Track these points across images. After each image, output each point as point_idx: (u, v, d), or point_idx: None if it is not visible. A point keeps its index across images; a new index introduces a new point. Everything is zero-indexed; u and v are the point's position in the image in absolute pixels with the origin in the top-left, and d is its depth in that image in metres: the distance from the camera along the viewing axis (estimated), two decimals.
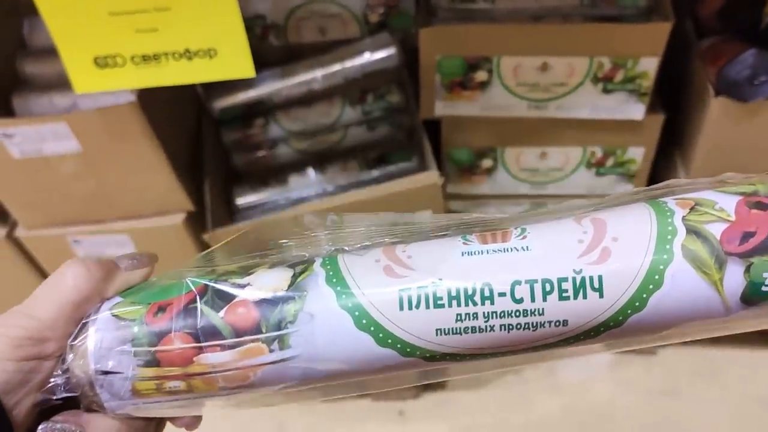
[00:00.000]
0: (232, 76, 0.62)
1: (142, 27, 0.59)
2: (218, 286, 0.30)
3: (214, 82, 0.65)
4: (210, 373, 0.30)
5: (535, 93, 0.75)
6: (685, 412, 1.01)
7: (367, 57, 0.83)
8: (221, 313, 0.29)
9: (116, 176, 0.74)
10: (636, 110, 0.76)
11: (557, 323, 0.29)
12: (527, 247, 0.29)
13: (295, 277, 0.30)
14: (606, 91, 0.74)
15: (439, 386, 1.07)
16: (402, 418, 1.05)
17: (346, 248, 0.32)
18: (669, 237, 0.28)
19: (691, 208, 0.29)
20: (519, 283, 0.29)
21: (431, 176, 0.72)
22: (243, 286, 0.30)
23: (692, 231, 0.29)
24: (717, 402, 1.01)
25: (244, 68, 0.62)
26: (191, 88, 0.87)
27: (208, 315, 0.29)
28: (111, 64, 0.61)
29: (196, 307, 0.30)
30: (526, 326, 0.29)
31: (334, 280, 0.30)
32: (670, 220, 0.29)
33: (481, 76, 0.74)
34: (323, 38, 0.86)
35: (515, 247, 0.30)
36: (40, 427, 0.29)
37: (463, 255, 0.30)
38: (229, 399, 0.31)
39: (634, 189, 0.32)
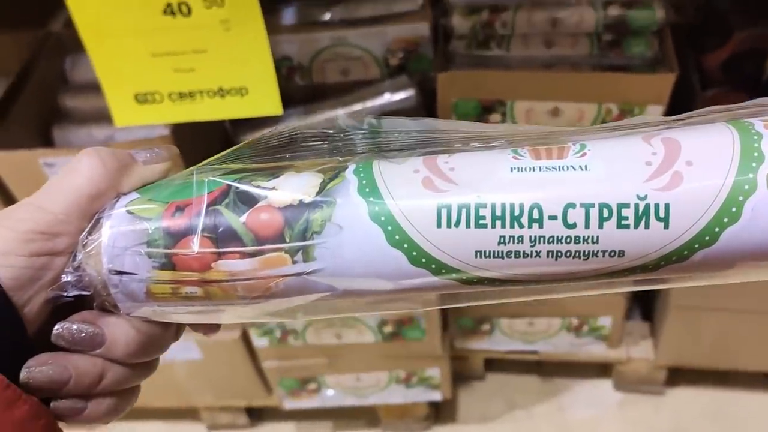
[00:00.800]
0: (262, 113, 0.67)
1: (180, 67, 0.64)
2: (242, 187, 0.28)
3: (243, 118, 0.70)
4: (228, 280, 0.27)
5: None
6: None
7: (387, 98, 0.87)
8: (243, 218, 0.27)
9: None
10: None
11: (612, 253, 0.26)
12: (586, 166, 0.26)
13: (324, 183, 0.27)
14: None
15: (450, 419, 1.08)
16: None
17: (384, 154, 0.29)
18: (753, 164, 0.25)
19: None
20: (573, 206, 0.25)
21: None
22: (268, 190, 0.27)
23: None
24: None
25: (273, 106, 0.66)
26: (220, 123, 0.92)
27: (228, 219, 0.27)
28: (150, 100, 0.66)
29: (216, 210, 0.27)
30: (577, 254, 0.26)
31: (367, 189, 0.27)
32: (756, 144, 0.25)
33: (495, 118, 0.78)
34: (346, 79, 0.91)
35: (572, 166, 0.26)
36: (56, 326, 0.27)
37: (512, 171, 0.27)
38: (249, 309, 0.29)
39: (717, 106, 0.28)
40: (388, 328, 0.91)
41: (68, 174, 0.28)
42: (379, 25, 0.86)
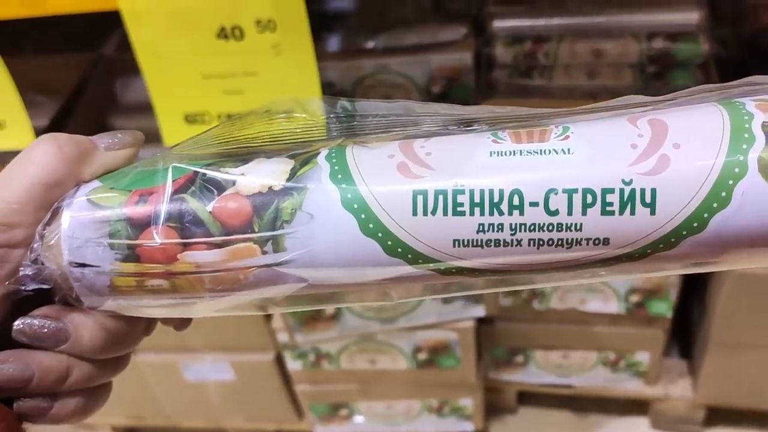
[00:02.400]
0: (307, 137, 0.67)
1: (230, 89, 0.65)
2: (209, 174, 0.26)
3: None
4: (195, 272, 0.26)
5: None
6: None
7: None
8: (209, 207, 0.26)
9: None
10: None
11: (597, 241, 0.25)
12: (568, 149, 0.25)
13: (296, 169, 0.26)
14: None
15: None
16: None
17: (359, 139, 0.28)
18: (744, 146, 0.24)
19: None
20: (555, 191, 0.24)
21: None
22: (236, 176, 0.26)
23: None
24: None
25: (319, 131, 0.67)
26: None
27: (194, 207, 0.26)
28: (199, 121, 0.68)
29: (182, 198, 0.26)
30: (560, 243, 0.25)
31: (340, 176, 0.26)
32: (747, 126, 0.24)
33: None
34: None
35: (554, 149, 0.25)
36: (16, 322, 0.26)
37: (491, 155, 0.25)
38: (219, 301, 0.28)
39: (706, 85, 0.27)
40: (422, 356, 0.90)
41: (21, 161, 0.26)
42: (422, 54, 0.87)
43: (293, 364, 0.93)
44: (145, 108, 0.90)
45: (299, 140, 0.28)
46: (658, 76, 0.79)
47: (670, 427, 1.05)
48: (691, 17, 0.78)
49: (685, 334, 1.05)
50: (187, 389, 0.98)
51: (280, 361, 0.94)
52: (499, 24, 0.81)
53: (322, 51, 0.88)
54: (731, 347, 0.93)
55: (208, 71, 0.64)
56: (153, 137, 0.84)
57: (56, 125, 0.83)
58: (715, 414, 1.04)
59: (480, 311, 0.87)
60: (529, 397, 1.11)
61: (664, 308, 0.92)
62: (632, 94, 0.84)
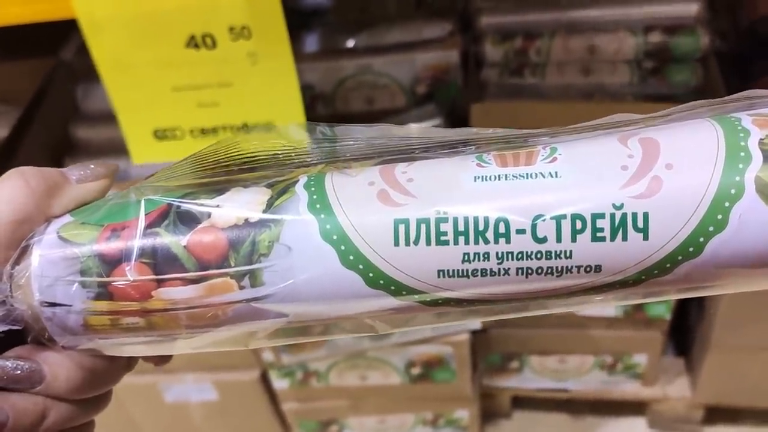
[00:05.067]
0: None
1: (203, 101, 0.60)
2: (183, 206, 0.25)
3: None
4: (171, 309, 0.25)
5: None
6: None
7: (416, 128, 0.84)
8: (184, 241, 0.25)
9: None
10: None
11: (588, 269, 0.23)
12: (556, 173, 0.24)
13: (272, 199, 0.25)
14: None
15: None
16: None
17: (338, 165, 0.27)
18: (740, 165, 0.23)
19: None
20: (542, 218, 0.23)
21: None
22: (211, 208, 0.25)
23: None
24: None
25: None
26: None
27: (168, 242, 0.25)
28: (170, 137, 0.62)
29: (155, 232, 0.25)
30: (549, 271, 0.24)
31: (318, 205, 0.25)
32: (743, 143, 0.23)
33: None
34: (371, 108, 0.87)
35: (541, 173, 0.24)
36: None
37: (476, 180, 0.24)
38: (198, 339, 0.27)
39: (701, 101, 0.26)
40: (416, 370, 0.86)
41: None
42: (406, 53, 0.82)
43: (279, 383, 0.88)
44: (109, 117, 0.85)
45: (278, 166, 0.27)
46: (656, 72, 0.75)
47: (669, 427, 1.03)
48: (689, 9, 0.74)
49: (681, 332, 1.03)
50: (168, 410, 0.93)
51: (265, 380, 0.89)
52: (487, 20, 0.77)
53: (299, 51, 0.83)
54: (731, 348, 0.91)
55: (178, 83, 0.59)
56: (119, 148, 0.79)
57: (16, 136, 0.77)
58: (714, 413, 1.02)
59: (476, 324, 0.83)
60: (523, 401, 1.08)
61: (662, 310, 0.90)
62: (629, 92, 0.79)
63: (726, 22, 0.82)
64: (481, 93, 0.75)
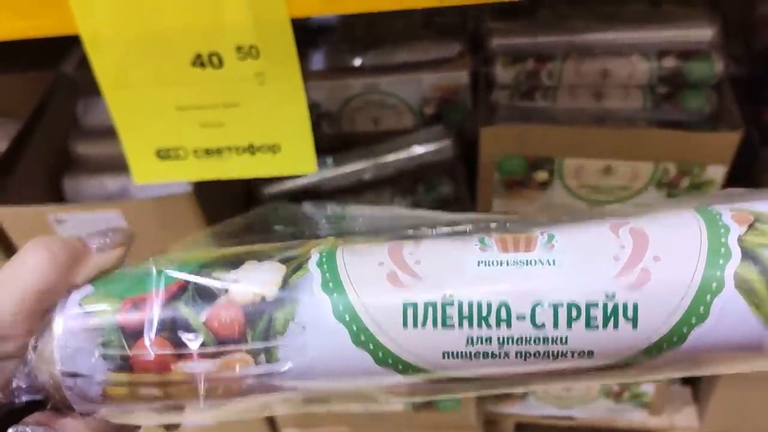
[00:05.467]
0: (295, 171, 0.61)
1: (208, 121, 0.58)
2: (201, 281, 0.27)
3: None
4: (190, 382, 0.26)
5: (596, 195, 0.73)
6: None
7: (422, 149, 0.82)
8: (203, 316, 0.26)
9: None
10: None
11: (581, 354, 0.25)
12: (554, 261, 0.26)
13: (287, 276, 0.27)
14: (670, 196, 0.72)
15: None
16: None
17: (348, 239, 0.28)
18: (720, 261, 0.25)
19: (750, 225, 0.25)
20: (541, 305, 0.25)
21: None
22: (228, 283, 0.27)
23: (749, 256, 0.24)
24: None
25: (307, 164, 0.61)
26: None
27: (187, 317, 0.26)
28: (173, 156, 0.61)
29: (174, 306, 0.26)
30: (546, 355, 0.25)
31: (331, 284, 0.26)
32: (723, 240, 0.25)
33: (542, 176, 0.72)
34: (377, 128, 0.85)
35: (540, 260, 0.26)
36: (9, 430, 0.26)
37: (479, 264, 0.26)
38: (213, 410, 0.28)
39: (686, 196, 0.28)
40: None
41: (14, 270, 0.26)
42: (414, 72, 0.81)
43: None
44: (111, 132, 0.83)
45: (291, 239, 0.29)
46: (669, 98, 0.74)
47: None
48: (704, 34, 0.72)
49: None
50: None
51: None
52: (498, 41, 0.75)
53: (305, 69, 0.81)
54: (740, 378, 0.89)
55: (182, 102, 0.57)
56: (119, 165, 0.77)
57: (16, 149, 0.75)
58: None
59: None
60: (528, 428, 1.05)
61: None
62: (642, 118, 0.77)
63: (740, 47, 0.80)
64: (491, 115, 0.73)
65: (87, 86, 0.87)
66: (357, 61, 0.81)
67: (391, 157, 0.82)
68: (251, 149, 0.60)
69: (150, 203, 0.67)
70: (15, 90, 0.81)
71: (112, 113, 0.58)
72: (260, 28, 0.52)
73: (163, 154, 0.61)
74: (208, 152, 0.60)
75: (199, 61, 0.54)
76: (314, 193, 0.85)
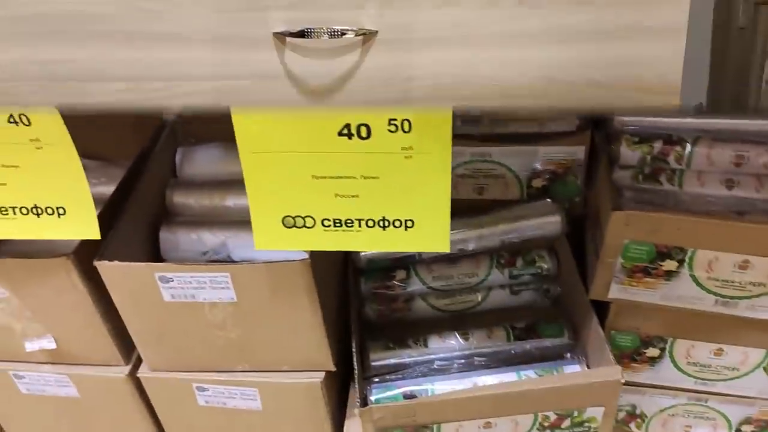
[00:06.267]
0: (427, 249, 0.58)
1: (343, 192, 0.55)
2: None
3: None
4: None
5: (727, 289, 0.68)
6: None
7: (531, 223, 0.78)
8: None
9: (264, 330, 0.69)
10: None
11: None
12: None
13: None
14: None
15: None
16: None
17: None
18: None
19: None
20: None
21: (613, 372, 0.65)
22: None
23: None
24: None
25: (440, 243, 0.58)
26: None
27: None
28: (299, 225, 0.58)
29: None
30: None
31: None
32: None
33: (669, 265, 0.68)
34: (479, 197, 0.82)
35: None
36: None
37: None
38: None
39: None
40: None
41: None
42: (528, 144, 0.78)
43: None
44: (209, 183, 0.80)
45: None
46: None
47: None
48: None
49: None
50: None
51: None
52: (624, 119, 0.72)
53: None
54: None
55: (320, 171, 0.54)
56: (217, 217, 0.74)
57: (120, 196, 0.73)
58: None
59: None
60: None
61: None
62: None
63: None
64: (617, 198, 0.70)
65: (187, 134, 0.86)
66: (472, 129, 0.78)
67: (496, 229, 0.79)
68: (383, 223, 0.57)
69: (263, 268, 0.63)
70: (118, 135, 0.80)
71: (245, 176, 0.55)
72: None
73: (289, 222, 0.58)
74: (337, 223, 0.57)
75: (347, 131, 0.52)
76: (410, 259, 0.82)
